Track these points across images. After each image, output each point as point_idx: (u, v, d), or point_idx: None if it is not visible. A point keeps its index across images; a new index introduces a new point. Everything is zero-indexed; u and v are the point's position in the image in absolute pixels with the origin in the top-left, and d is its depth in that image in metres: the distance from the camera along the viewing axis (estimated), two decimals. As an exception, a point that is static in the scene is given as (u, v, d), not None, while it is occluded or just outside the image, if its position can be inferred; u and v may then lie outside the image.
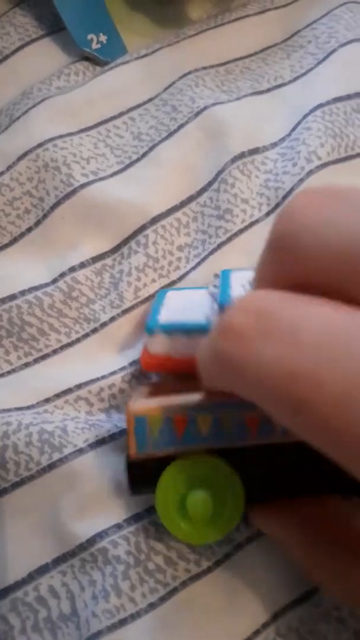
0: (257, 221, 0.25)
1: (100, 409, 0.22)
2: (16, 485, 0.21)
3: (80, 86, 0.29)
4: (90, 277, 0.25)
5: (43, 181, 0.26)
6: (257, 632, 0.18)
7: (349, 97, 0.28)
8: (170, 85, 0.29)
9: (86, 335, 0.24)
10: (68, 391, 0.23)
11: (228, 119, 0.27)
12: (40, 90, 0.29)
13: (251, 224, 0.25)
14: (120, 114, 0.29)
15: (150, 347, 0.21)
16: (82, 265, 0.25)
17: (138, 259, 0.25)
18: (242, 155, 0.26)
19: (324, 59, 0.30)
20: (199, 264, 0.25)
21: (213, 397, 0.17)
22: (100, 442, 0.21)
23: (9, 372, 0.24)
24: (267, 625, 0.18)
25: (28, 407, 0.22)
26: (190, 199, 0.26)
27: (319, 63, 0.30)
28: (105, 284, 0.25)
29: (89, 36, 0.31)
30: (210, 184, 0.26)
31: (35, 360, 0.24)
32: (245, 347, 0.13)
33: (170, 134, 0.28)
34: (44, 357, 0.24)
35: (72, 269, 0.25)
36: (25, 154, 0.27)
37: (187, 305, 0.22)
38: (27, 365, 0.24)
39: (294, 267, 0.14)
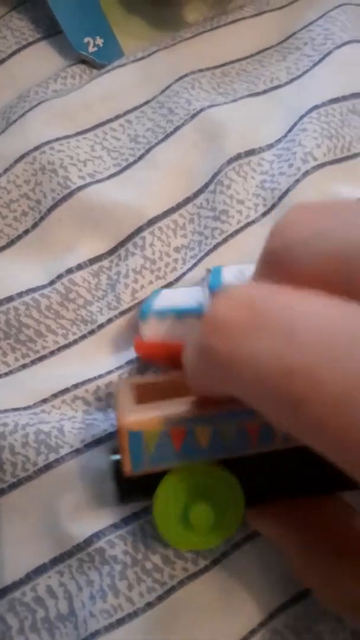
0: (253, 222, 0.25)
1: (98, 407, 0.22)
2: (13, 486, 0.21)
3: (76, 89, 0.30)
4: (87, 279, 0.25)
5: (40, 184, 0.27)
6: (254, 631, 0.18)
7: (344, 98, 0.28)
8: (166, 88, 0.30)
9: (83, 337, 0.24)
10: (65, 391, 0.23)
11: (224, 121, 0.28)
12: (37, 94, 0.30)
13: (247, 225, 0.25)
14: (117, 117, 0.29)
15: (144, 332, 0.21)
16: (79, 267, 0.25)
17: (135, 261, 0.25)
18: (238, 156, 0.27)
19: (319, 61, 0.30)
20: (195, 265, 0.25)
21: (205, 402, 0.16)
22: (97, 442, 0.21)
23: (6, 374, 0.24)
24: (264, 623, 0.18)
25: (25, 408, 0.23)
26: (187, 200, 0.26)
27: (315, 65, 0.30)
28: (102, 286, 0.25)
29: (86, 39, 0.31)
30: (206, 185, 0.26)
31: (33, 362, 0.24)
32: (235, 342, 0.13)
33: (167, 136, 0.28)
34: (41, 358, 0.24)
35: (69, 271, 0.25)
36: (22, 157, 0.27)
37: (180, 295, 0.22)
38: (24, 366, 0.24)
39: (288, 279, 0.14)
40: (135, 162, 0.28)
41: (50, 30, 0.32)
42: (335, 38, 0.30)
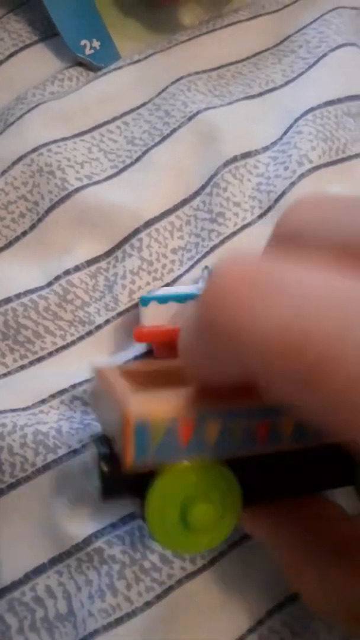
0: (249, 224, 0.26)
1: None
2: (12, 486, 0.21)
3: (74, 91, 0.30)
4: (85, 280, 0.25)
5: (38, 185, 0.27)
6: (252, 629, 0.18)
7: (339, 100, 0.28)
8: (163, 90, 0.30)
9: (81, 338, 0.24)
10: (63, 391, 0.23)
11: (220, 124, 0.28)
12: (35, 96, 0.30)
13: (243, 227, 0.26)
14: (114, 119, 0.29)
15: (145, 318, 0.21)
16: (77, 268, 0.25)
17: (132, 262, 0.25)
18: (234, 159, 0.27)
19: (314, 63, 0.30)
20: (192, 266, 0.25)
21: (203, 392, 0.15)
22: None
23: (4, 375, 0.24)
24: (262, 622, 0.18)
25: (24, 409, 0.23)
26: (184, 202, 0.27)
27: (310, 67, 0.30)
28: (100, 287, 0.25)
29: (82, 42, 0.31)
30: (203, 187, 0.27)
31: (31, 363, 0.24)
32: (241, 313, 0.11)
33: (164, 139, 0.28)
34: (39, 359, 0.24)
35: (67, 272, 0.25)
36: (19, 159, 0.27)
37: (179, 288, 0.22)
38: (22, 367, 0.24)
39: (297, 256, 0.13)
40: (132, 164, 0.28)
41: (47, 32, 0.32)
42: (329, 41, 0.31)
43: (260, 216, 0.26)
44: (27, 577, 0.20)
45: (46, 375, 0.24)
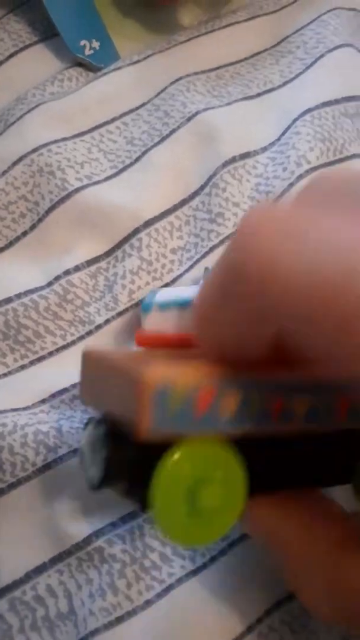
0: None
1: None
2: (12, 486, 0.21)
3: (73, 92, 0.30)
4: (85, 280, 0.25)
5: (38, 185, 0.27)
6: (251, 627, 0.18)
7: (337, 101, 0.28)
8: (162, 91, 0.30)
9: (81, 338, 0.25)
10: (64, 391, 0.23)
11: (219, 124, 0.28)
12: (35, 96, 0.30)
13: None
14: (113, 119, 0.29)
15: (147, 324, 0.21)
16: (77, 268, 0.25)
17: (132, 262, 0.25)
18: (233, 159, 0.27)
19: (312, 64, 0.30)
20: (191, 266, 0.25)
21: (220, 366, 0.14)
22: None
23: (5, 375, 0.24)
24: (261, 620, 0.19)
25: (24, 408, 0.23)
26: (183, 202, 0.27)
27: (308, 68, 0.30)
28: (100, 287, 0.25)
29: (82, 42, 0.31)
30: (202, 188, 0.27)
31: (31, 363, 0.24)
32: (276, 250, 0.10)
33: (163, 139, 0.28)
34: (39, 359, 0.24)
35: (67, 272, 0.25)
36: (20, 159, 0.27)
37: (180, 291, 0.22)
38: (23, 367, 0.24)
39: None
40: (131, 164, 0.28)
41: (47, 33, 0.32)
42: (327, 42, 0.31)
43: (260, 216, 0.26)
44: (28, 576, 0.20)
45: (46, 374, 0.24)
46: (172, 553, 0.20)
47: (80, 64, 0.32)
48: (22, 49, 0.32)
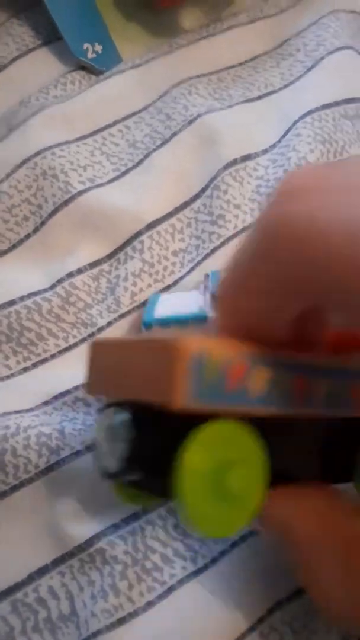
0: (249, 226, 0.26)
1: (98, 409, 0.23)
2: (15, 488, 0.21)
3: (76, 95, 0.30)
4: (87, 283, 0.25)
5: (41, 189, 0.27)
6: (252, 628, 0.18)
7: (337, 103, 0.28)
8: (164, 94, 0.30)
9: (84, 340, 0.25)
10: (66, 393, 0.23)
11: (220, 127, 0.28)
12: (38, 100, 0.30)
13: (244, 229, 0.26)
14: (116, 122, 0.29)
15: None
16: (80, 271, 0.26)
17: (134, 264, 0.25)
18: (234, 162, 0.27)
19: (312, 67, 0.30)
20: (193, 268, 0.26)
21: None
22: None
23: (8, 377, 0.24)
24: (263, 620, 0.19)
25: (27, 410, 0.23)
26: (185, 205, 0.27)
27: (308, 70, 0.30)
28: (102, 289, 0.25)
29: (85, 46, 0.32)
30: (203, 190, 0.27)
31: (34, 365, 0.24)
32: (323, 201, 0.10)
33: (165, 142, 0.28)
34: (42, 361, 0.24)
35: (70, 275, 0.25)
36: (23, 162, 0.27)
37: (181, 302, 0.22)
38: (25, 369, 0.24)
39: None
40: (133, 167, 0.28)
41: (50, 36, 0.32)
42: (327, 44, 0.31)
43: (261, 219, 0.26)
44: (30, 578, 0.20)
45: (49, 377, 0.24)
46: (174, 554, 0.20)
47: (83, 67, 0.32)
48: (25, 53, 0.32)
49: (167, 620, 0.19)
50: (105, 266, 0.26)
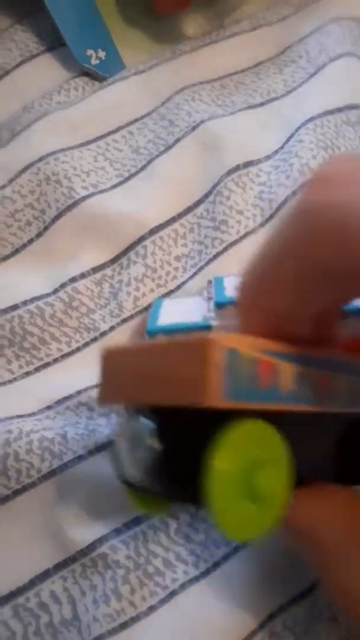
0: (252, 232, 0.26)
1: (101, 413, 0.23)
2: (17, 492, 0.21)
3: (80, 101, 0.30)
4: (90, 287, 0.26)
5: (44, 194, 0.27)
6: (254, 632, 0.18)
7: (339, 110, 0.28)
8: (167, 100, 0.30)
9: (86, 344, 0.25)
10: (69, 397, 0.23)
11: (223, 133, 0.28)
12: (41, 105, 0.30)
13: (246, 235, 0.26)
14: (119, 128, 0.30)
15: None
16: (83, 275, 0.26)
17: (137, 269, 0.26)
18: (237, 168, 0.27)
19: (315, 73, 0.31)
20: (195, 273, 0.26)
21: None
22: (99, 448, 0.22)
23: (10, 381, 0.24)
24: (264, 625, 0.19)
25: (29, 415, 0.23)
26: (187, 210, 0.27)
27: (310, 77, 0.31)
28: (105, 294, 0.26)
29: (88, 52, 0.32)
30: (206, 196, 0.27)
31: (37, 369, 0.24)
32: (354, 192, 0.10)
33: (168, 148, 0.29)
34: (45, 365, 0.24)
35: (73, 280, 0.26)
36: (26, 168, 0.28)
37: (184, 310, 0.22)
38: (28, 374, 0.24)
39: None
40: (137, 172, 0.28)
41: (53, 42, 0.32)
42: (329, 51, 0.31)
43: (263, 224, 0.26)
44: (32, 583, 0.20)
45: (52, 381, 0.24)
46: (176, 559, 0.20)
47: (86, 73, 0.32)
48: (29, 59, 0.32)
49: (169, 624, 0.19)
50: (108, 271, 0.26)
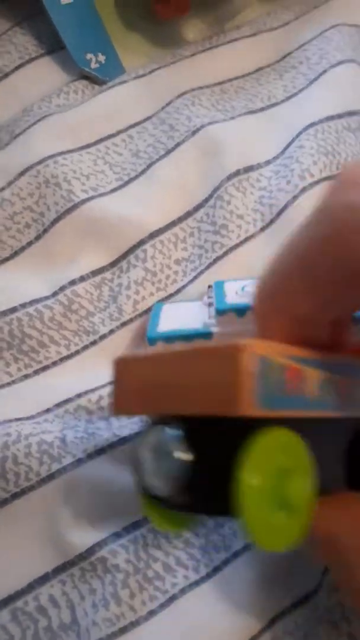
0: (252, 236, 0.26)
1: (100, 417, 0.23)
2: (16, 495, 0.21)
3: (79, 104, 0.30)
4: (89, 291, 0.25)
5: (44, 196, 0.27)
6: (255, 637, 0.18)
7: (339, 116, 0.29)
8: (167, 104, 0.30)
9: (85, 348, 0.25)
10: (68, 400, 0.23)
11: (223, 138, 0.28)
12: (41, 108, 0.30)
13: (246, 239, 0.26)
14: (119, 132, 0.30)
15: None
16: (82, 278, 0.26)
17: (137, 273, 0.26)
18: (237, 172, 0.27)
19: (315, 80, 0.31)
20: (195, 277, 0.26)
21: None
22: (99, 452, 0.22)
23: (9, 384, 0.24)
24: (265, 630, 0.19)
25: (28, 418, 0.23)
26: (187, 214, 0.27)
27: (311, 83, 0.31)
28: (105, 297, 0.26)
29: (88, 56, 0.32)
30: (206, 200, 0.27)
31: (35, 372, 0.24)
32: None
33: (168, 152, 0.29)
34: (44, 368, 0.24)
35: (72, 282, 0.25)
36: (26, 170, 0.28)
37: (184, 315, 0.22)
38: (27, 376, 0.24)
39: None
40: (136, 177, 0.28)
41: (53, 45, 0.32)
42: (330, 57, 0.31)
43: (263, 229, 0.26)
44: (31, 587, 0.20)
45: (50, 384, 0.24)
46: (176, 563, 0.20)
47: (86, 77, 0.32)
48: (28, 61, 0.32)
49: (169, 629, 0.19)
50: (107, 274, 0.26)
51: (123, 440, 0.22)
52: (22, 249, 0.27)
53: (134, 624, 0.19)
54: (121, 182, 0.28)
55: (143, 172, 0.28)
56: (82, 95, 0.31)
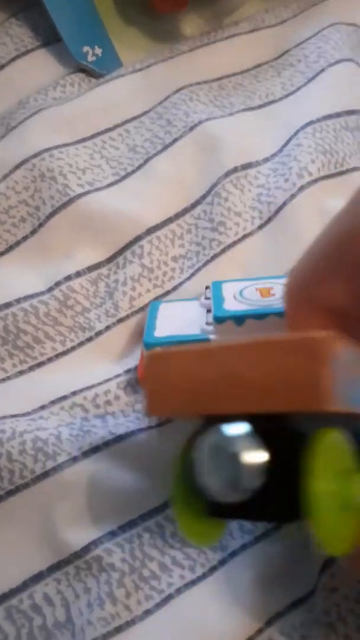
0: (249, 234, 0.26)
1: (96, 415, 0.23)
2: (10, 493, 0.21)
3: (76, 98, 0.30)
4: (85, 286, 0.25)
5: (39, 190, 0.27)
6: (251, 638, 0.18)
7: (337, 115, 0.29)
8: (165, 99, 0.30)
9: (81, 344, 0.24)
10: (63, 398, 0.23)
11: (221, 134, 0.28)
12: (37, 101, 0.30)
13: (244, 237, 0.26)
14: (116, 126, 0.29)
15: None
16: (78, 274, 0.25)
17: (133, 269, 0.25)
18: (235, 169, 0.27)
19: (313, 78, 0.31)
20: (193, 274, 0.26)
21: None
22: (94, 450, 0.21)
23: (3, 380, 0.24)
24: (261, 631, 0.18)
25: (23, 415, 0.22)
26: (185, 211, 0.27)
27: (309, 81, 0.31)
28: (101, 293, 0.25)
29: (85, 48, 0.32)
30: (204, 197, 0.27)
31: (31, 368, 0.24)
32: None
33: (165, 147, 0.28)
34: (39, 365, 0.24)
35: (68, 278, 0.25)
36: (21, 163, 0.27)
37: (181, 318, 0.22)
38: (21, 373, 0.24)
39: None
40: (133, 171, 0.28)
41: (49, 38, 0.32)
42: (328, 56, 0.31)
43: (261, 227, 0.26)
44: (25, 585, 0.20)
45: (46, 381, 0.24)
46: (172, 563, 0.20)
47: (82, 70, 0.32)
48: (24, 54, 0.32)
49: (165, 629, 0.19)
50: (104, 270, 0.26)
51: (119, 438, 0.22)
52: (17, 243, 0.27)
53: (130, 624, 0.19)
54: (118, 176, 0.28)
55: (140, 167, 0.28)
56: (79, 88, 0.31)
